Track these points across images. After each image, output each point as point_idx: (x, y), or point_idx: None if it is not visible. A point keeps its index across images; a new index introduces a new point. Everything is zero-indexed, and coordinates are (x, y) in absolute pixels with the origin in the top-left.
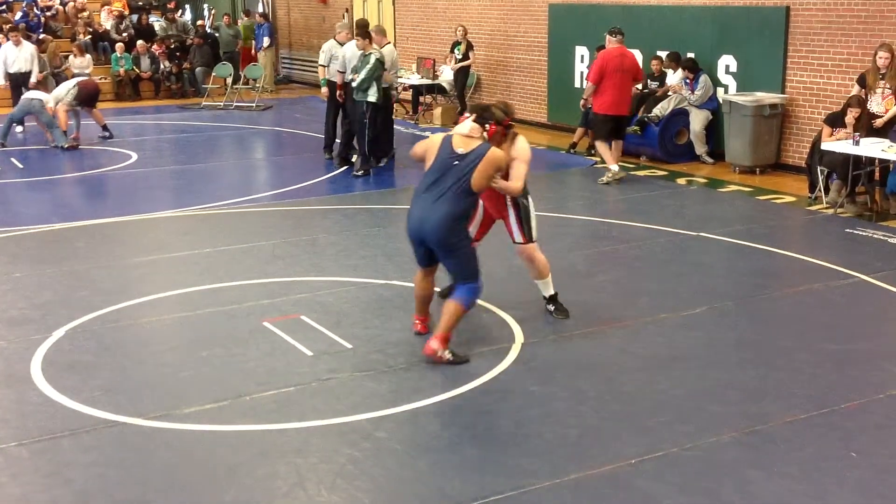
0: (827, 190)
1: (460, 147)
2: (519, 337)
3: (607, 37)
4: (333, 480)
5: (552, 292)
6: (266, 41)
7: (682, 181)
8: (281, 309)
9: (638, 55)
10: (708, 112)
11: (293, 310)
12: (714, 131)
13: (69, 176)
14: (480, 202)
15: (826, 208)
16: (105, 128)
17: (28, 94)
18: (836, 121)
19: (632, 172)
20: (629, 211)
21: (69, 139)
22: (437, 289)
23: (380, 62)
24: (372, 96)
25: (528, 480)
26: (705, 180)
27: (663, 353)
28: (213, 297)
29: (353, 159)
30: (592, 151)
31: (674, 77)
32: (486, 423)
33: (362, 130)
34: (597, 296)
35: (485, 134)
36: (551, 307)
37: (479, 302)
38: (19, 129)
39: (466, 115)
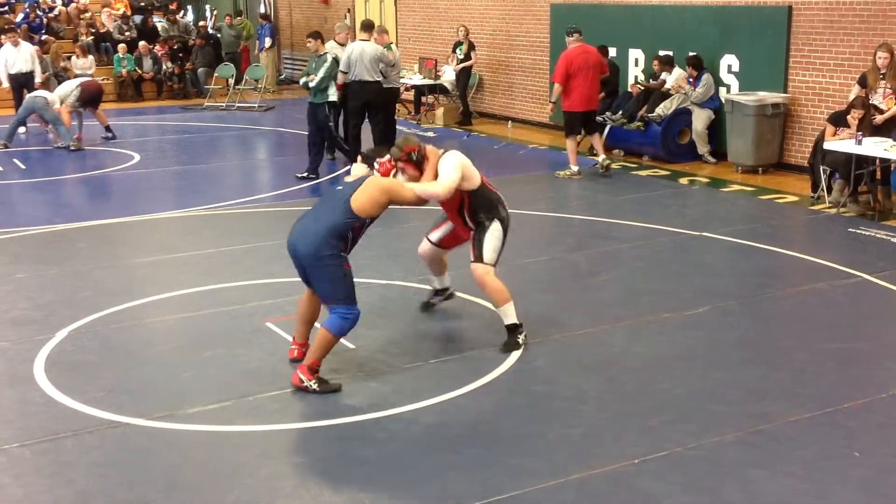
0: (829, 189)
1: (348, 179)
2: (521, 337)
3: (566, 38)
4: (336, 481)
5: (512, 321)
6: (268, 42)
7: (684, 181)
8: (283, 309)
9: (640, 55)
10: (710, 111)
11: (295, 310)
12: (716, 131)
13: (72, 176)
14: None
15: (829, 208)
16: (108, 129)
17: (31, 93)
18: (839, 120)
19: (633, 172)
20: (631, 211)
21: (73, 139)
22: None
23: (336, 62)
24: (332, 96)
25: (530, 480)
26: (707, 180)
27: (666, 352)
28: (216, 297)
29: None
30: (594, 152)
31: (670, 79)
32: (488, 422)
33: (331, 133)
34: (599, 295)
35: (375, 173)
36: (507, 337)
37: (481, 302)
38: (22, 129)
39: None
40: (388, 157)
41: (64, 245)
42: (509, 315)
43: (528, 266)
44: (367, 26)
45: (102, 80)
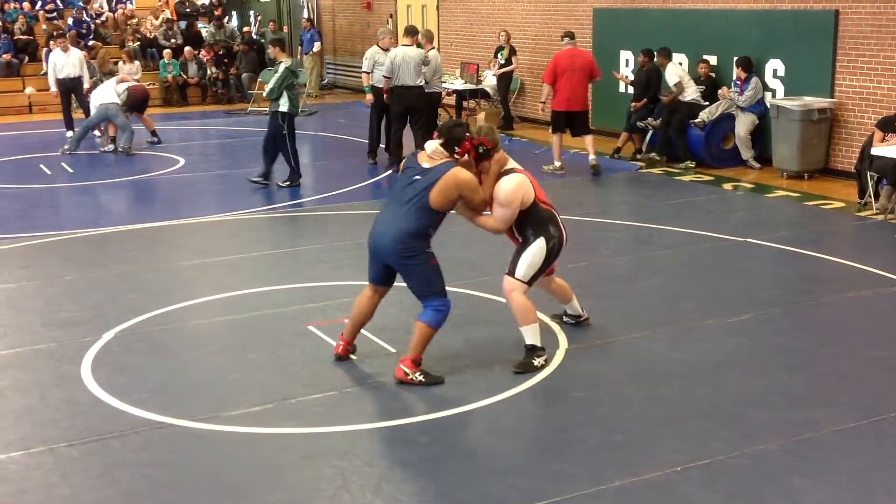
0: (877, 196)
1: (425, 162)
2: (563, 342)
3: (561, 41)
4: (378, 484)
5: (531, 342)
6: (317, 46)
7: (728, 186)
8: (326, 313)
9: (683, 59)
10: (754, 116)
11: (338, 314)
12: (761, 136)
13: (118, 180)
14: None
15: (875, 214)
16: (154, 133)
17: (103, 101)
18: (887, 125)
19: (676, 177)
20: (674, 216)
21: (119, 145)
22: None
23: (290, 71)
24: (283, 106)
25: (571, 486)
26: (752, 185)
27: (708, 359)
28: (259, 300)
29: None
30: (637, 156)
31: (668, 74)
32: (529, 428)
33: (283, 142)
34: (641, 301)
35: (456, 157)
36: (522, 356)
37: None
38: (97, 133)
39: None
40: (466, 138)
41: (111, 248)
42: (530, 335)
43: (569, 271)
44: (411, 31)
45: (148, 85)
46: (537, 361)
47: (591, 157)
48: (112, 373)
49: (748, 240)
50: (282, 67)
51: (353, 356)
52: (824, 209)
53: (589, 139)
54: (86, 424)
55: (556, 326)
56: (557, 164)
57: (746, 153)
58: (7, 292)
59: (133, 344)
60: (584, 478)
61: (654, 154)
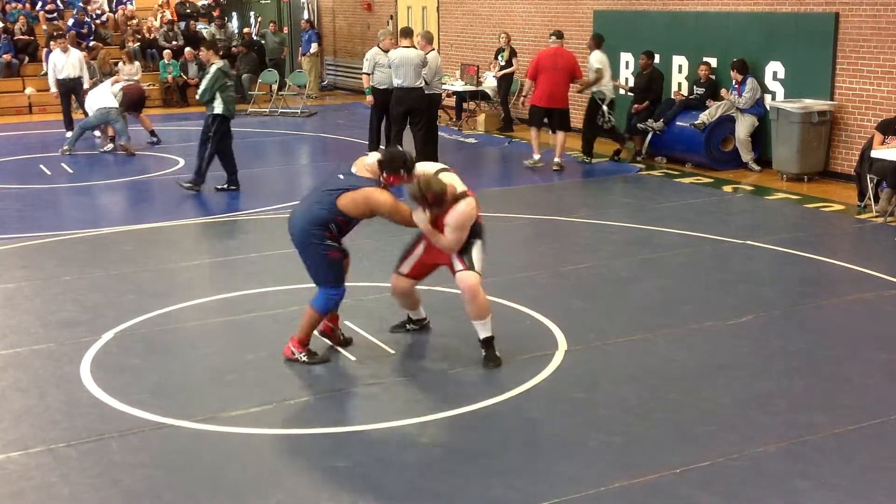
0: (877, 198)
1: (355, 168)
2: (562, 344)
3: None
4: (377, 485)
5: (488, 335)
6: (314, 48)
7: (728, 188)
8: None
9: (684, 62)
10: (754, 118)
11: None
12: (761, 138)
13: (118, 181)
14: (422, 244)
15: (876, 217)
16: (153, 133)
17: (102, 104)
18: (887, 128)
19: (676, 179)
20: (674, 218)
21: (118, 144)
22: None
23: (222, 72)
24: (218, 108)
25: (571, 487)
26: (752, 188)
27: (709, 361)
28: (259, 301)
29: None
30: (638, 158)
31: (592, 59)
32: (529, 429)
33: (203, 145)
34: (641, 303)
35: (382, 179)
36: (483, 352)
37: (522, 308)
38: (98, 133)
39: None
40: (402, 174)
41: (110, 248)
42: (488, 328)
43: (570, 273)
44: (407, 33)
45: (148, 85)
46: (498, 352)
47: (557, 159)
48: (111, 373)
49: (748, 242)
50: (213, 69)
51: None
52: (824, 212)
53: (561, 137)
54: (85, 425)
55: (554, 327)
56: (536, 157)
57: (746, 155)
58: (6, 293)
59: (132, 344)
60: (584, 479)
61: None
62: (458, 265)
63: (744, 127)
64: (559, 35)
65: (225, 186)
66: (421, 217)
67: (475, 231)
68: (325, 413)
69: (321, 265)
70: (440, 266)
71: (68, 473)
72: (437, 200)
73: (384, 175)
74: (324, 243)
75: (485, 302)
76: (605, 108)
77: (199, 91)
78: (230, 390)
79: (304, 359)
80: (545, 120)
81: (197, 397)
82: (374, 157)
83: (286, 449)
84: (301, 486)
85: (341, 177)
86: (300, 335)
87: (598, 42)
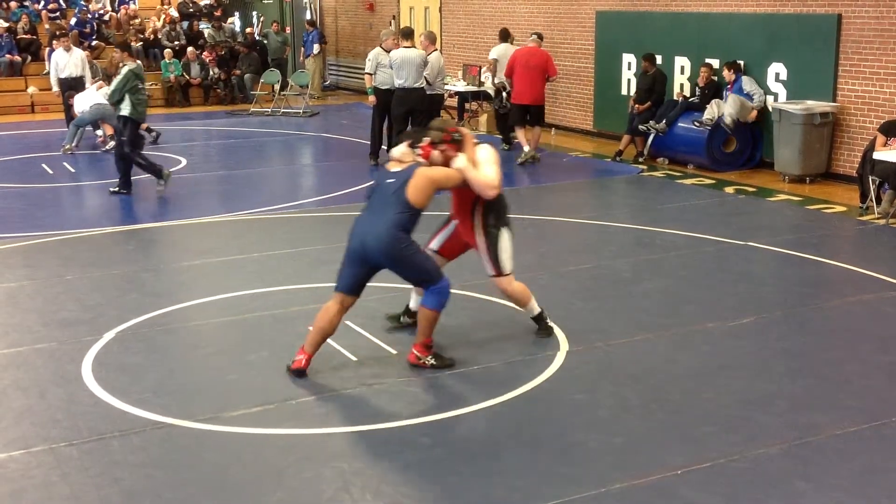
0: (878, 200)
1: (394, 167)
2: (564, 344)
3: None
4: (378, 485)
5: (536, 312)
6: (316, 48)
7: (730, 190)
8: None
9: (686, 63)
10: (742, 98)
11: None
12: (762, 137)
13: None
14: (453, 222)
15: (878, 219)
16: (148, 129)
17: (98, 101)
18: (890, 129)
19: (678, 181)
20: (676, 219)
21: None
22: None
23: (133, 74)
24: (125, 109)
25: (572, 488)
26: (754, 189)
27: (710, 362)
28: (261, 301)
29: None
30: (640, 159)
31: (492, 50)
32: (530, 430)
33: (120, 147)
34: (642, 303)
35: (418, 157)
36: (536, 325)
37: (518, 308)
38: (99, 132)
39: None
40: (428, 139)
41: (112, 248)
42: (534, 308)
43: (571, 273)
44: (408, 33)
45: (151, 85)
46: (550, 322)
47: (527, 148)
48: (113, 372)
49: (750, 243)
50: (124, 70)
51: (392, 350)
52: (826, 213)
53: (537, 132)
54: (86, 424)
55: (556, 328)
56: (527, 149)
57: (729, 119)
58: (8, 291)
59: (134, 344)
60: (585, 480)
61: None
62: (489, 269)
63: (731, 105)
64: (539, 36)
65: (117, 189)
66: (463, 162)
67: (501, 210)
68: (327, 413)
69: (417, 265)
70: (469, 248)
71: (69, 472)
72: (456, 132)
73: (418, 152)
74: (411, 244)
75: (522, 294)
76: (504, 94)
77: (109, 91)
78: (232, 390)
79: (432, 362)
80: (527, 116)
81: (198, 397)
82: (400, 149)
83: (287, 449)
84: (302, 486)
85: (392, 180)
86: (422, 339)
87: (503, 37)
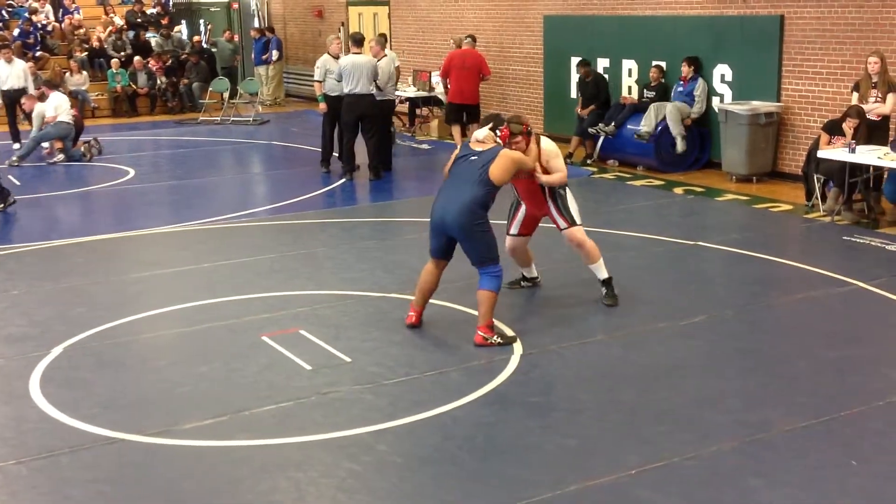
0: (824, 198)
1: (477, 147)
2: (518, 348)
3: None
4: (334, 494)
5: (605, 276)
6: (275, 54)
7: (679, 191)
8: (279, 323)
9: (633, 66)
10: (684, 105)
11: (292, 324)
12: (710, 138)
13: (67, 192)
14: (523, 205)
15: (823, 216)
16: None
17: (62, 118)
18: (833, 128)
19: (628, 182)
20: (626, 220)
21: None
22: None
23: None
24: None
25: (529, 492)
26: (702, 189)
27: (663, 362)
28: (212, 312)
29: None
30: (589, 161)
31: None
32: (485, 434)
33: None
34: (595, 305)
35: (498, 139)
36: (603, 290)
37: (476, 313)
38: (45, 144)
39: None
40: (505, 124)
41: (59, 261)
42: (602, 270)
43: None
44: (358, 40)
45: (96, 95)
46: (616, 289)
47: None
48: (61, 388)
49: (699, 243)
50: None
51: (346, 358)
52: (773, 212)
53: (468, 130)
54: (35, 441)
55: (510, 332)
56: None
57: (675, 129)
58: None
59: (83, 358)
60: (541, 483)
61: (609, 163)
62: (561, 223)
63: (672, 112)
64: (473, 38)
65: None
66: (534, 155)
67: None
68: (280, 423)
69: (485, 243)
70: (544, 217)
71: (18, 491)
72: (529, 127)
73: (498, 136)
74: (486, 222)
75: (593, 248)
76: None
77: None
78: (184, 403)
79: (499, 340)
80: (464, 115)
81: (149, 411)
82: (483, 131)
83: (241, 461)
84: (257, 498)
85: (475, 158)
86: (485, 321)
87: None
